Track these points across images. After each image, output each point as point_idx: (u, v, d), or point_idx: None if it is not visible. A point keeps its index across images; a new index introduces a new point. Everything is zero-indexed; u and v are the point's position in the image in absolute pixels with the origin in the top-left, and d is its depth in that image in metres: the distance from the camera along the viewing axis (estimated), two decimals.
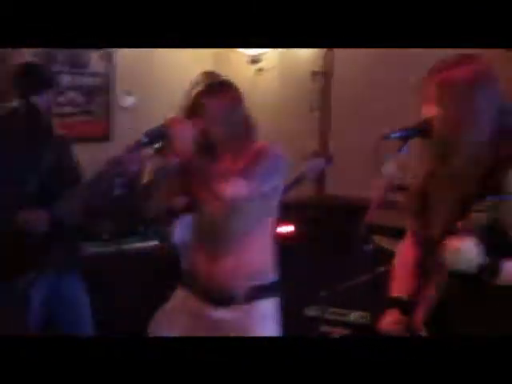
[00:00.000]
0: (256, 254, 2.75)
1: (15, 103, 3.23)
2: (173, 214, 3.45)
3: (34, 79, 3.26)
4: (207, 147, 2.65)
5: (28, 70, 3.32)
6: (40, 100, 3.24)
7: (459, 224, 1.98)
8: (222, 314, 2.73)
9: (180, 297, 2.84)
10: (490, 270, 2.01)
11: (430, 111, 2.17)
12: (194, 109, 2.66)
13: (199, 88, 2.67)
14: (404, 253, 2.50)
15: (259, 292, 2.74)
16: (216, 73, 2.82)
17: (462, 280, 2.10)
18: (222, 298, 2.72)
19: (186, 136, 2.56)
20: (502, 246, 2.07)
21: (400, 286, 2.43)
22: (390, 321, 2.36)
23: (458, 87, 2.13)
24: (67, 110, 4.75)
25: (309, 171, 3.93)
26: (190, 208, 2.95)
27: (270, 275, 2.79)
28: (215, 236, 2.71)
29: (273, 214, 2.78)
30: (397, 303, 2.38)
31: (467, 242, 1.98)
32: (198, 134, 2.59)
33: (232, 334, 2.70)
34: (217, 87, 2.67)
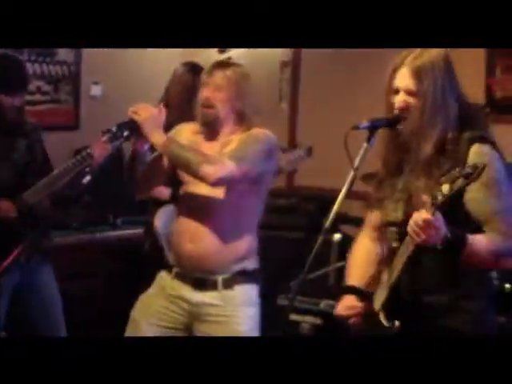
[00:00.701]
0: (240, 239, 2.77)
1: None
2: (158, 204, 3.49)
3: (8, 81, 3.19)
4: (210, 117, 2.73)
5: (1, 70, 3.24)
6: (14, 100, 3.19)
7: (424, 198, 2.01)
8: (201, 297, 2.75)
9: (159, 282, 2.87)
10: (454, 242, 2.03)
11: (403, 100, 2.19)
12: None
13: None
14: (362, 241, 2.51)
15: (240, 277, 2.77)
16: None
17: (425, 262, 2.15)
18: (202, 282, 2.74)
19: (155, 122, 2.62)
20: (464, 222, 2.13)
21: (355, 273, 2.45)
22: (345, 306, 2.38)
23: (435, 75, 2.17)
24: (35, 98, 4.70)
25: (288, 163, 3.94)
26: (172, 196, 2.99)
27: (252, 262, 2.82)
28: (199, 221, 2.73)
29: (261, 199, 2.82)
30: (351, 291, 2.40)
31: (435, 214, 1.99)
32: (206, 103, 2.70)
33: (211, 319, 2.74)
34: (228, 63, 2.85)
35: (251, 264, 2.81)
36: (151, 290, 2.89)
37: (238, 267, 2.76)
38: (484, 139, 2.18)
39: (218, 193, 2.68)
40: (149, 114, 2.61)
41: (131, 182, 2.95)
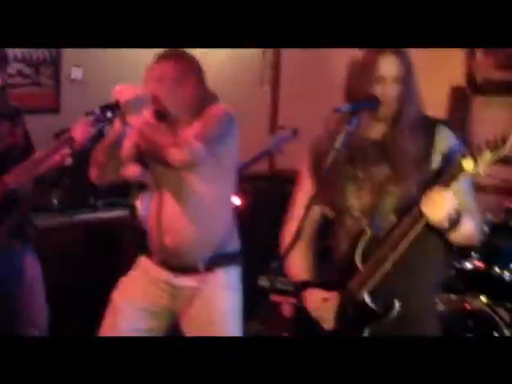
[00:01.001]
0: (216, 222, 2.77)
1: None
2: (139, 187, 3.50)
3: None
4: (162, 113, 2.68)
5: None
6: None
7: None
8: (182, 281, 2.77)
9: (141, 265, 2.88)
10: (454, 219, 2.05)
11: (385, 88, 2.20)
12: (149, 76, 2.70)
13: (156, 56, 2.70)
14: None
15: (220, 260, 2.77)
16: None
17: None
18: (183, 265, 2.75)
19: (136, 103, 2.56)
20: None
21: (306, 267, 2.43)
22: (315, 299, 2.31)
23: (412, 64, 2.22)
24: (16, 81, 4.67)
25: (274, 145, 3.97)
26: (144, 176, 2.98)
27: (231, 244, 2.83)
28: (172, 212, 2.72)
29: (229, 178, 2.80)
30: (315, 285, 2.35)
31: (447, 193, 2.02)
32: (153, 101, 2.62)
33: (194, 302, 2.74)
34: (170, 53, 2.70)
35: (231, 247, 2.83)
36: (133, 273, 2.88)
37: (217, 251, 2.77)
38: (445, 123, 2.26)
39: (187, 182, 2.68)
40: (133, 95, 2.56)
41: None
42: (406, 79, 2.20)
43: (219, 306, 2.77)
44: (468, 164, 1.99)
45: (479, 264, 3.63)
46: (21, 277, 3.39)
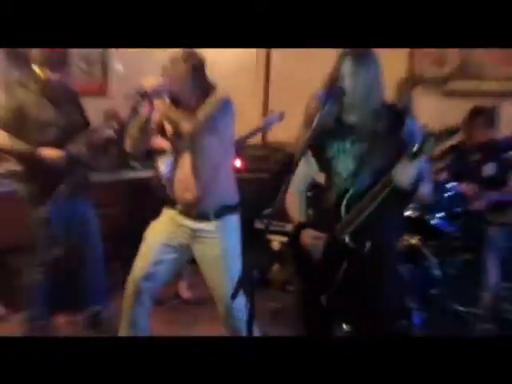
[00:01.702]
0: (222, 182, 2.81)
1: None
2: (157, 153, 3.51)
3: (52, 58, 3.18)
4: (175, 99, 2.73)
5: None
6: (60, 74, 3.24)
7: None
8: (199, 225, 2.83)
9: (167, 213, 2.92)
10: (414, 185, 2.08)
11: (347, 81, 2.17)
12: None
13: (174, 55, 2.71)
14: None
15: (226, 210, 2.82)
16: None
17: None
18: (199, 214, 2.81)
19: (158, 91, 2.62)
20: None
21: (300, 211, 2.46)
22: (311, 236, 2.34)
23: (372, 62, 2.21)
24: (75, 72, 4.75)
25: (266, 124, 4.13)
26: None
27: (233, 198, 2.88)
28: (189, 175, 2.76)
29: (229, 147, 2.84)
30: (310, 225, 2.38)
31: (411, 165, 2.04)
32: (169, 90, 2.67)
33: (206, 240, 2.81)
34: (181, 54, 2.70)
35: (233, 200, 2.88)
36: (161, 219, 2.92)
37: (223, 203, 2.82)
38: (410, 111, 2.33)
39: (199, 151, 2.72)
40: (156, 85, 2.60)
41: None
42: (364, 75, 2.18)
43: (224, 244, 2.82)
44: (428, 144, 2.01)
45: (415, 213, 3.63)
46: (80, 221, 3.45)
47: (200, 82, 2.74)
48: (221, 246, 2.81)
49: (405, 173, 2.06)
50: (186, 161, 2.77)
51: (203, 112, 2.68)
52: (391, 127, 2.19)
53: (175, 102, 2.74)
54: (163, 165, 3.57)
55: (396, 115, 2.21)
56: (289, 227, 3.65)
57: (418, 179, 2.09)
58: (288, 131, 4.50)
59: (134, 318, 2.84)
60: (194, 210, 2.81)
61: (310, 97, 2.27)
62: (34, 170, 3.19)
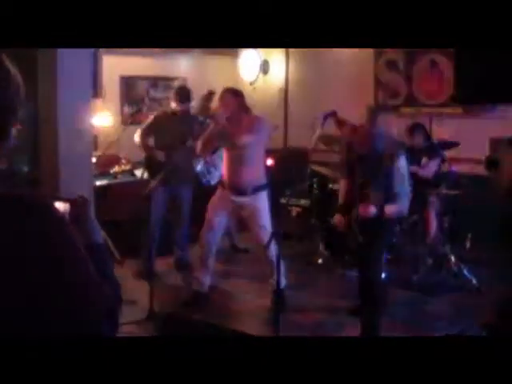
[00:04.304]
0: (258, 169, 3.93)
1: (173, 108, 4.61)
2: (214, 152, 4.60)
3: (185, 94, 4.56)
4: (229, 120, 3.86)
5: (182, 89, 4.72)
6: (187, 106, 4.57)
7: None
8: (241, 199, 3.97)
9: (219, 192, 4.09)
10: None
11: None
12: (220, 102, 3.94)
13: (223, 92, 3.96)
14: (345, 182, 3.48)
15: (259, 188, 3.93)
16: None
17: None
18: (240, 191, 3.93)
19: (221, 116, 3.85)
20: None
21: (342, 198, 3.45)
22: (337, 219, 3.39)
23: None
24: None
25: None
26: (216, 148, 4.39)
27: (265, 180, 4.00)
28: (237, 161, 3.90)
29: (263, 151, 4.00)
30: (340, 209, 3.40)
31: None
32: (224, 114, 3.85)
33: (247, 208, 3.93)
34: (230, 89, 3.97)
35: (264, 181, 3.96)
36: (216, 196, 4.05)
37: (257, 184, 3.90)
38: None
39: (244, 151, 3.83)
40: (219, 112, 3.97)
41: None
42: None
43: (259, 209, 3.93)
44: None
45: None
46: (179, 204, 4.75)
47: (242, 109, 3.92)
48: (257, 210, 3.94)
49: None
50: (234, 158, 3.92)
51: (250, 129, 3.77)
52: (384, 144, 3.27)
53: (228, 121, 3.91)
54: (218, 158, 4.59)
55: (385, 137, 3.32)
56: (303, 201, 5.45)
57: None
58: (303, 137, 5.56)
59: (206, 259, 4.07)
60: (238, 189, 3.92)
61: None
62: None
